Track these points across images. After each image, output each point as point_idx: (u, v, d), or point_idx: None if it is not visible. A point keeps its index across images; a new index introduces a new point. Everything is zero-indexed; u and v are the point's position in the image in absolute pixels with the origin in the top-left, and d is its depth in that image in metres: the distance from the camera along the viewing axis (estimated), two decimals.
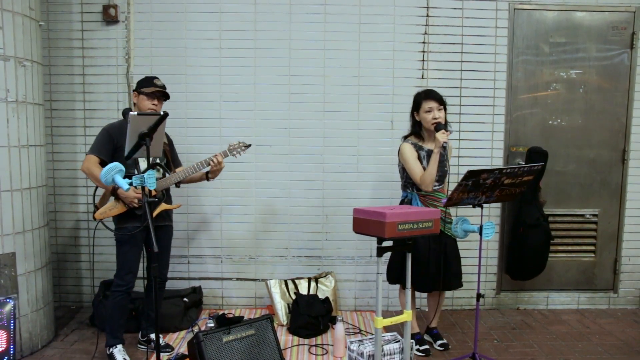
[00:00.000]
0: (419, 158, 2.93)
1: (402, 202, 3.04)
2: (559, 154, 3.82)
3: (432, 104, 2.88)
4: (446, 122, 2.94)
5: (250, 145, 2.99)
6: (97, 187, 2.81)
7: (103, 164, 2.72)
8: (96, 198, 2.80)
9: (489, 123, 3.77)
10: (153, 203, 2.82)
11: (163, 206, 2.90)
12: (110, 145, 2.80)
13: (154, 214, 2.84)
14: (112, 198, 2.79)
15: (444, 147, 2.83)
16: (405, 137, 3.04)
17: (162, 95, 2.93)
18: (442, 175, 2.94)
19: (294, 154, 3.75)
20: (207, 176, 3.00)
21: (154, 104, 2.88)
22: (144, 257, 2.94)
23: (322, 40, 3.69)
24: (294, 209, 3.78)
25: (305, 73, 3.71)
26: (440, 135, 2.79)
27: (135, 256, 2.85)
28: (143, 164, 2.80)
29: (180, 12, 3.65)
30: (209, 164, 2.88)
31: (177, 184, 2.93)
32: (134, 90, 2.94)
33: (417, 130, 3.00)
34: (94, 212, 2.77)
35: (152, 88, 2.87)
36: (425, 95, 2.93)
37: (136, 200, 2.74)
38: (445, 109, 2.93)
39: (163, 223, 2.96)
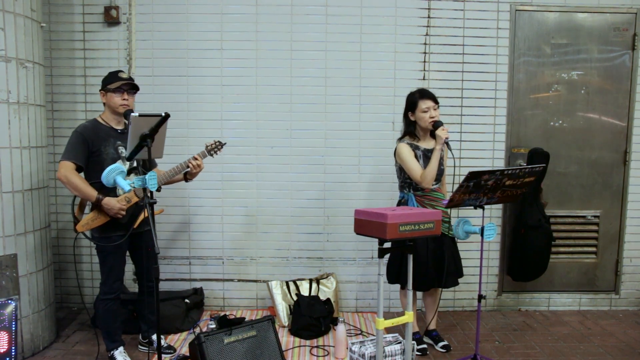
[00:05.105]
0: (416, 157, 2.93)
1: (399, 203, 3.05)
2: (561, 155, 3.82)
3: (429, 103, 2.90)
4: None
5: (225, 143, 2.97)
6: (75, 197, 2.67)
7: (79, 169, 2.61)
8: (75, 208, 2.66)
9: (490, 124, 3.77)
10: (138, 208, 2.75)
11: (146, 212, 2.75)
12: (85, 149, 2.63)
13: (138, 220, 2.77)
14: (87, 208, 2.65)
15: (446, 144, 2.84)
16: (400, 139, 3.05)
17: (131, 87, 2.73)
18: (438, 174, 2.93)
19: (295, 155, 3.75)
20: (186, 177, 2.92)
21: (124, 99, 2.70)
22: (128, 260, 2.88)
23: (324, 42, 3.69)
24: (296, 210, 3.78)
25: (307, 74, 3.71)
26: (441, 132, 2.81)
27: (121, 264, 2.81)
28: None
29: (181, 13, 3.65)
30: (189, 166, 2.82)
31: (158, 188, 2.84)
32: (100, 90, 2.74)
33: (412, 130, 3.01)
34: (75, 224, 2.62)
35: (117, 82, 2.68)
36: (420, 95, 2.94)
37: (122, 212, 2.64)
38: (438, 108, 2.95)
39: (145, 228, 2.86)
